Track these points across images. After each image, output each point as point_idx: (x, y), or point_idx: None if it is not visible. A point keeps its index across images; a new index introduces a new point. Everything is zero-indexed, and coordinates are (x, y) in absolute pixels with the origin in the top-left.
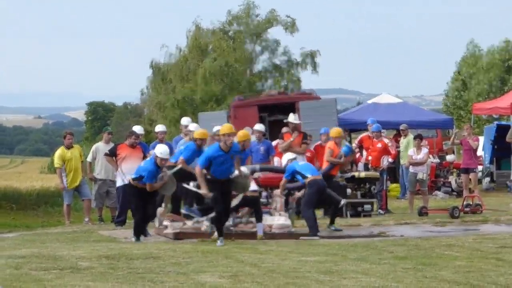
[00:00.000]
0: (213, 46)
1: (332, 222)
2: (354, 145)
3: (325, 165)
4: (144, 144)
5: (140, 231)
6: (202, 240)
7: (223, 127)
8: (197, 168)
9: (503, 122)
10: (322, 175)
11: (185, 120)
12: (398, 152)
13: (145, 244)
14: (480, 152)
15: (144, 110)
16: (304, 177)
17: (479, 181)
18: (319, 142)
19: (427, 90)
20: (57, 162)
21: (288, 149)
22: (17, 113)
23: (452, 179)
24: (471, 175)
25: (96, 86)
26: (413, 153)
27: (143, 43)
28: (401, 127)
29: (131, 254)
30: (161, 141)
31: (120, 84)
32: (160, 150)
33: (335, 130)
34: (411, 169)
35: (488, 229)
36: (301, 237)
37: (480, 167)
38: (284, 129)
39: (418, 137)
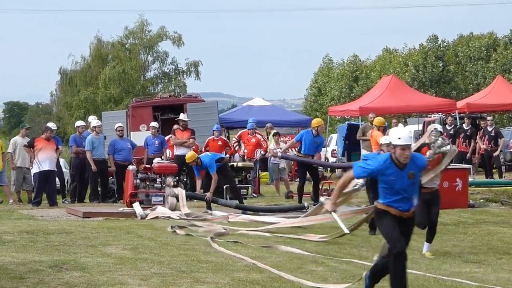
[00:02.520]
0: (112, 56)
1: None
2: (233, 139)
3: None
4: (57, 138)
5: None
6: (107, 218)
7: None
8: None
9: (353, 122)
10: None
11: (91, 118)
12: None
13: (58, 221)
14: (334, 147)
15: (53, 109)
16: None
17: (333, 171)
18: (212, 137)
19: (289, 94)
20: None
21: (180, 143)
22: None
23: None
24: None
25: (12, 87)
26: (273, 147)
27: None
28: (267, 125)
29: (48, 230)
30: (80, 134)
31: (33, 86)
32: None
33: (379, 120)
34: (273, 160)
35: (342, 210)
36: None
37: (334, 159)
38: (175, 126)
39: (277, 134)
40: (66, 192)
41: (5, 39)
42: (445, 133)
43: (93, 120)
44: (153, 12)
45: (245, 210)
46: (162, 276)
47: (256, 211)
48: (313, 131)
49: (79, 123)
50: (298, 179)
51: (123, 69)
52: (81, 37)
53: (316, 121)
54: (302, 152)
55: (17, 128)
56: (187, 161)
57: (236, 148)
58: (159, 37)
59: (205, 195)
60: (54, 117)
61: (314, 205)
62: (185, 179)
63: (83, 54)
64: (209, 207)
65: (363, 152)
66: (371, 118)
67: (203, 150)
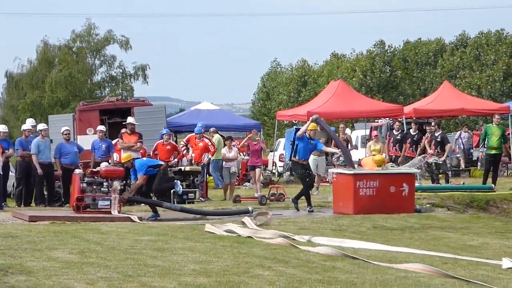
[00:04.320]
0: (59, 59)
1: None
2: (181, 143)
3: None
4: (7, 140)
5: None
6: (53, 222)
7: None
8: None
9: (300, 127)
10: None
11: (28, 121)
12: None
13: (4, 225)
14: (282, 151)
15: None
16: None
17: (281, 175)
18: (161, 141)
19: (237, 99)
20: None
21: (127, 147)
22: None
23: None
24: (257, 171)
25: None
26: (226, 151)
27: None
28: (210, 130)
29: None
30: (26, 137)
31: None
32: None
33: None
34: (225, 164)
35: (289, 214)
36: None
37: (281, 163)
38: (123, 130)
39: (229, 138)
40: (12, 196)
41: None
42: (392, 138)
43: (29, 124)
44: (100, 16)
45: (190, 213)
46: (108, 280)
47: (200, 214)
48: (307, 135)
49: (26, 126)
50: (245, 184)
51: (69, 73)
52: (27, 40)
53: (312, 126)
54: (297, 157)
55: None
56: (122, 161)
57: (184, 152)
58: (106, 41)
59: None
60: None
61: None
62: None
63: (30, 58)
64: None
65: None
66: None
67: (151, 154)
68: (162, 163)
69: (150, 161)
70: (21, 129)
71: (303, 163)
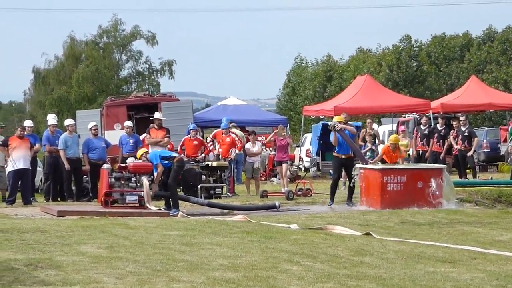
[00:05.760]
0: (86, 55)
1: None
2: (208, 139)
3: None
4: (34, 135)
5: None
6: (81, 217)
7: None
8: None
9: (327, 122)
10: None
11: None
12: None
13: (33, 220)
14: (308, 146)
15: (27, 108)
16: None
17: (308, 170)
18: (188, 136)
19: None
20: None
21: (154, 142)
22: None
23: None
24: (283, 166)
25: None
26: (250, 146)
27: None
28: (230, 125)
29: (22, 228)
30: (52, 132)
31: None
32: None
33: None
34: (248, 159)
35: (316, 209)
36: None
37: (308, 158)
38: (150, 125)
39: (253, 133)
40: (40, 191)
41: None
42: (419, 133)
43: (53, 119)
44: (127, 11)
45: (217, 208)
46: (137, 274)
47: (227, 209)
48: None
49: (51, 121)
50: (272, 179)
51: (96, 68)
52: (54, 36)
53: (338, 118)
54: (337, 152)
55: None
56: (137, 157)
57: (211, 148)
58: (132, 36)
59: (168, 192)
60: (27, 116)
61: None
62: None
63: (57, 53)
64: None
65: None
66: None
67: (178, 150)
68: (176, 154)
69: (163, 152)
70: (47, 125)
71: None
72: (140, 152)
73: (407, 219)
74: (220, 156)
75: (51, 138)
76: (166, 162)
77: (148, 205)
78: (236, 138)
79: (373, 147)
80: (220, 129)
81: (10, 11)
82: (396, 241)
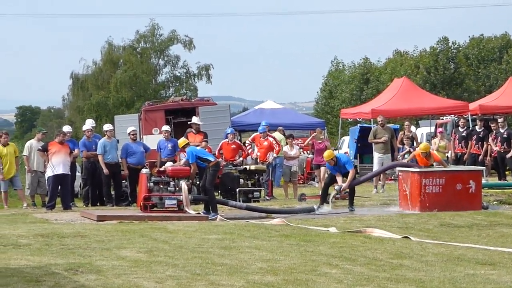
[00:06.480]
0: (123, 60)
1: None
2: (247, 142)
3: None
4: (73, 141)
5: None
6: (121, 221)
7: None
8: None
9: (365, 125)
10: None
11: (88, 122)
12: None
13: (73, 224)
14: (346, 149)
15: (65, 113)
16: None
17: None
18: (226, 140)
19: (299, 97)
20: None
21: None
22: None
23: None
24: (321, 169)
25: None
26: (288, 149)
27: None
28: (278, 129)
29: (62, 233)
30: (88, 138)
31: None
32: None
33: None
34: (286, 162)
35: (355, 212)
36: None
37: None
38: (188, 130)
39: (291, 136)
40: (79, 196)
41: (16, 45)
42: (457, 135)
43: (89, 125)
44: (164, 16)
45: (255, 211)
46: (177, 278)
47: (265, 212)
48: None
49: (86, 127)
50: (310, 182)
51: (134, 73)
52: (92, 41)
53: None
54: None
55: (29, 132)
56: (179, 146)
57: (250, 151)
58: (170, 41)
59: (206, 196)
60: (66, 121)
61: None
62: (198, 183)
63: (95, 59)
64: (206, 207)
65: (375, 154)
66: (380, 121)
67: (216, 154)
68: (213, 158)
69: (201, 152)
70: (83, 130)
71: None
72: (182, 141)
73: (446, 222)
74: (258, 160)
75: (87, 143)
76: (201, 162)
77: (187, 209)
78: (274, 142)
79: (411, 150)
80: (258, 133)
81: (49, 17)
82: (436, 243)
